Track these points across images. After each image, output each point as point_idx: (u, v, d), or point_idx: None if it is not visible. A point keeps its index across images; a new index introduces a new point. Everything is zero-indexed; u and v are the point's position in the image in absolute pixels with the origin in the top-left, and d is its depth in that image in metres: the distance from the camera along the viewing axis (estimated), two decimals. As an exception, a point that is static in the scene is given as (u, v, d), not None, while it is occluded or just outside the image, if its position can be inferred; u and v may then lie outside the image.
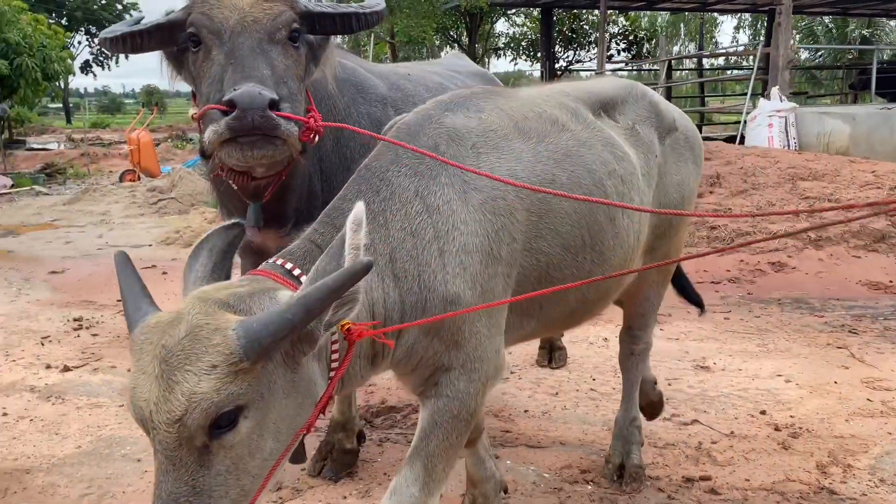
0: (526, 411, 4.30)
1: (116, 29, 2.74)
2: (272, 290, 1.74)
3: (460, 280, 2.04)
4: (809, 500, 3.27)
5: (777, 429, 3.98)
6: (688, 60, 31.03)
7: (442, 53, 32.19)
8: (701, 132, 20.30)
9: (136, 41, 2.66)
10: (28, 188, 15.88)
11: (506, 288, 2.19)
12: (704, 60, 28.67)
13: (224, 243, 1.87)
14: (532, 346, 5.17)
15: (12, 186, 15.67)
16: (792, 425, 4.01)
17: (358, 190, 2.10)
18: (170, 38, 2.66)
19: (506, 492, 3.19)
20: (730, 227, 8.28)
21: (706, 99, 24.55)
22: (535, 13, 22.90)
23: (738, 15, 43.31)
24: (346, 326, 1.77)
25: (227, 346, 1.51)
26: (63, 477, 3.56)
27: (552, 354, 4.96)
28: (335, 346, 1.79)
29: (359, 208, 1.71)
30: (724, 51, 32.17)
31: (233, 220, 1.89)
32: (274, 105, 2.27)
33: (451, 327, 2.07)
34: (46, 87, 16.07)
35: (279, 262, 1.87)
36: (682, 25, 46.74)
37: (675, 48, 49.56)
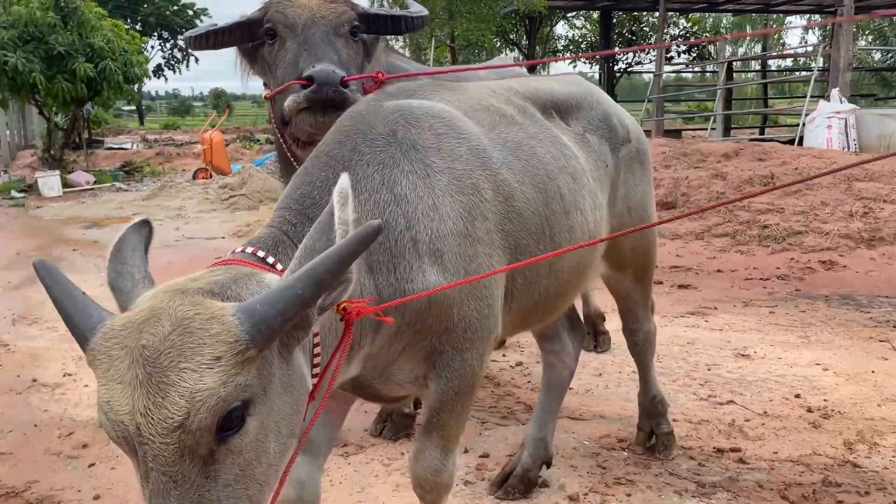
0: (570, 388, 4.61)
1: (201, 28, 3.22)
2: (254, 274, 1.58)
3: (438, 268, 1.99)
4: (833, 471, 3.50)
5: (809, 410, 4.19)
6: (753, 62, 30.55)
7: (504, 55, 32.47)
8: (763, 133, 20.17)
9: (219, 37, 3.13)
10: (109, 184, 16.90)
11: (490, 269, 2.14)
12: (772, 62, 28.26)
13: (141, 243, 1.68)
14: (579, 332, 5.48)
15: (95, 183, 16.70)
16: (824, 408, 4.22)
17: (325, 178, 1.94)
18: (247, 34, 3.12)
19: (549, 465, 3.50)
20: (782, 226, 8.39)
21: (773, 101, 24.22)
22: (595, 16, 23.03)
23: (808, 16, 42.30)
24: (342, 305, 1.64)
25: (230, 334, 1.34)
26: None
27: (597, 339, 5.26)
28: (317, 340, 1.66)
29: (344, 180, 1.58)
30: (783, 52, 31.57)
31: (141, 219, 1.77)
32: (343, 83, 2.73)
33: (439, 313, 2.02)
34: (127, 89, 17.04)
35: (248, 250, 1.72)
36: (747, 26, 45.85)
37: (741, 49, 48.66)
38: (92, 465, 3.69)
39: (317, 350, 1.66)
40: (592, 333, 5.28)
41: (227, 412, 1.33)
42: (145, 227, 1.73)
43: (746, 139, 15.16)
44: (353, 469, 3.59)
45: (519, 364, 5.05)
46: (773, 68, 30.18)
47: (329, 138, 2.12)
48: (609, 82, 21.09)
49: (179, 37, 52.11)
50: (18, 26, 15.16)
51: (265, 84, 3.21)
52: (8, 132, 24.64)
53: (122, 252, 1.63)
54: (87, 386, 4.71)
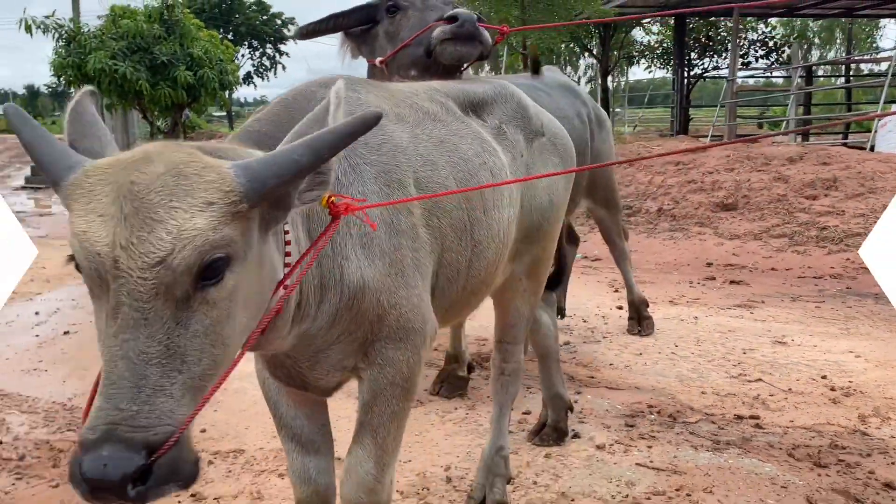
0: (611, 365, 5.11)
1: (319, 18, 3.84)
2: (240, 147, 1.63)
3: (365, 251, 1.97)
4: (842, 438, 3.88)
5: (832, 389, 4.55)
6: (839, 66, 29.74)
7: (580, 62, 32.69)
8: (846, 138, 19.84)
9: (339, 20, 3.79)
10: (203, 184, 18.16)
11: (415, 262, 2.12)
12: (862, 66, 27.50)
13: (96, 111, 1.68)
14: (624, 318, 5.96)
15: (190, 182, 17.99)
16: (847, 388, 4.57)
17: (272, 134, 1.88)
18: (364, 16, 3.74)
19: (571, 410, 4.01)
20: (841, 227, 8.57)
21: (861, 106, 23.62)
22: (671, 21, 23.07)
23: (900, 18, 40.65)
24: (331, 198, 1.68)
25: (226, 183, 1.37)
26: (250, 384, 4.75)
27: (641, 324, 5.71)
28: (288, 238, 1.70)
29: (339, 85, 1.65)
30: (862, 57, 30.61)
31: (90, 89, 1.76)
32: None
33: (371, 299, 1.98)
34: (222, 96, 18.29)
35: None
36: (836, 31, 44.46)
37: (830, 54, 47.16)
38: (198, 407, 4.43)
39: (288, 249, 1.69)
40: (636, 318, 5.74)
41: (211, 259, 1.36)
42: (94, 96, 1.73)
43: (829, 144, 15.04)
44: (413, 418, 4.17)
45: (567, 343, 5.56)
46: (866, 72, 29.25)
47: (273, 108, 2.07)
48: (681, 87, 21.11)
49: (268, 44, 54.55)
50: (127, 38, 16.60)
51: (370, 67, 3.82)
52: (113, 135, 26.56)
53: (83, 116, 1.62)
54: (191, 349, 5.50)
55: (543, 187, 2.89)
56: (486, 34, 3.40)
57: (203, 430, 4.09)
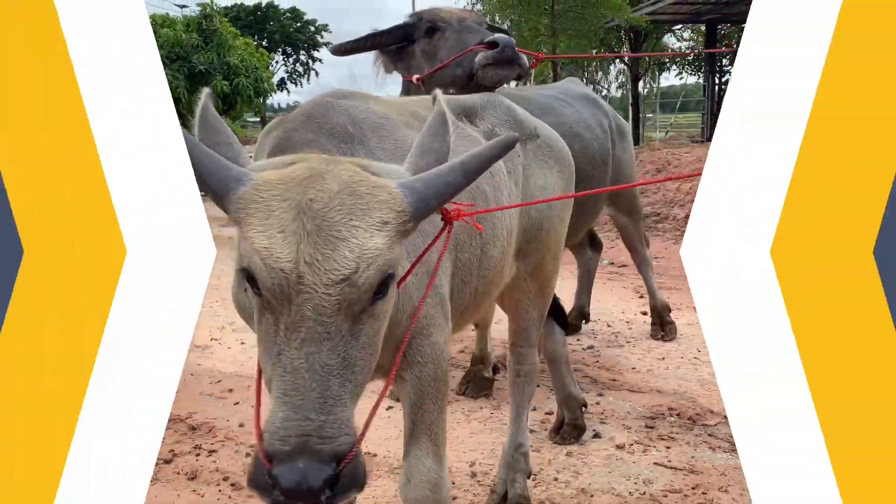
0: (633, 368, 5.24)
1: (358, 37, 4.04)
2: (374, 163, 1.66)
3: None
4: (858, 442, 3.97)
5: (852, 395, 4.62)
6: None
7: (611, 68, 32.67)
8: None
9: (377, 39, 3.99)
10: (238, 189, 18.58)
11: (434, 262, 2.16)
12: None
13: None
14: (649, 323, 6.07)
15: (226, 187, 18.41)
16: (867, 393, 4.63)
17: (307, 139, 2.02)
18: (401, 35, 3.95)
19: (585, 406, 4.14)
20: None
21: None
22: (702, 28, 23.01)
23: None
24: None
25: (398, 203, 1.44)
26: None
27: (664, 329, 5.82)
28: None
29: (440, 93, 1.79)
30: None
31: (207, 90, 1.80)
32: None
33: (403, 296, 2.01)
34: (257, 103, 18.75)
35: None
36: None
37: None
38: (237, 403, 4.66)
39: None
40: (659, 323, 5.86)
41: (386, 276, 1.43)
42: (211, 96, 1.78)
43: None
44: (440, 417, 4.39)
45: (591, 347, 5.70)
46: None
47: (297, 117, 2.18)
48: (712, 93, 21.06)
49: (302, 52, 55.39)
50: (166, 47, 17.10)
51: (405, 85, 4.02)
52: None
53: (208, 119, 1.65)
54: (229, 348, 5.76)
55: (539, 188, 2.96)
56: (524, 57, 3.61)
57: (241, 425, 4.32)
